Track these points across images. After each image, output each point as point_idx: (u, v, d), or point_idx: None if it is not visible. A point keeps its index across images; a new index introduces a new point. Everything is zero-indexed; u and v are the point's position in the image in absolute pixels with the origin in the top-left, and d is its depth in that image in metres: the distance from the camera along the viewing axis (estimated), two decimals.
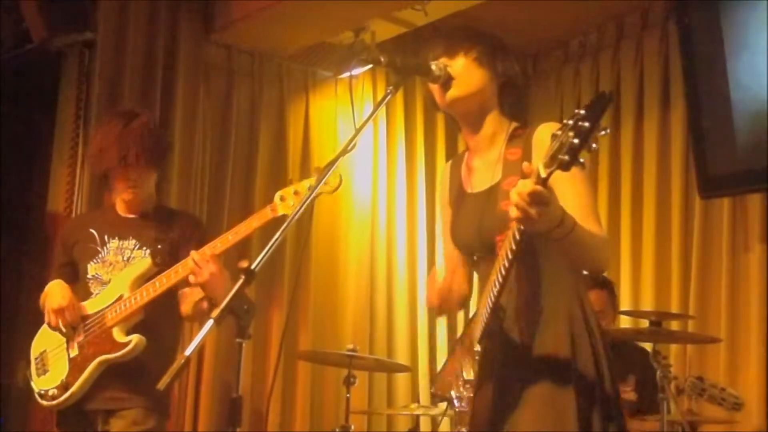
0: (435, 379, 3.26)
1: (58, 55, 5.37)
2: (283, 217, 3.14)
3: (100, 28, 5.33)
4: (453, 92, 2.73)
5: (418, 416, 5.37)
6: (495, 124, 2.76)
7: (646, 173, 5.91)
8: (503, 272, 2.44)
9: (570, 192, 2.51)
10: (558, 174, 2.22)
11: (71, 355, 3.57)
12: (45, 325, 3.72)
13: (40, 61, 5.24)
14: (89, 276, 3.66)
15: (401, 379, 6.11)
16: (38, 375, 3.66)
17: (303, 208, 2.49)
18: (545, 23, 6.31)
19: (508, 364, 2.63)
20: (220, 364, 5.49)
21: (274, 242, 2.41)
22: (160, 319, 3.58)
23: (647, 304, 5.59)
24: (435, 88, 2.77)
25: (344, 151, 2.60)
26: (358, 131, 2.62)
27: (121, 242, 3.66)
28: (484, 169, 2.75)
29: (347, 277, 6.18)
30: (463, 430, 2.74)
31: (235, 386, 2.34)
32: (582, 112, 2.11)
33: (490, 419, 2.64)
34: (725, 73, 5.14)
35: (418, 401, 5.75)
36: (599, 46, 6.38)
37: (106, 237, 3.69)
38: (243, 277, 2.34)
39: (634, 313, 5.07)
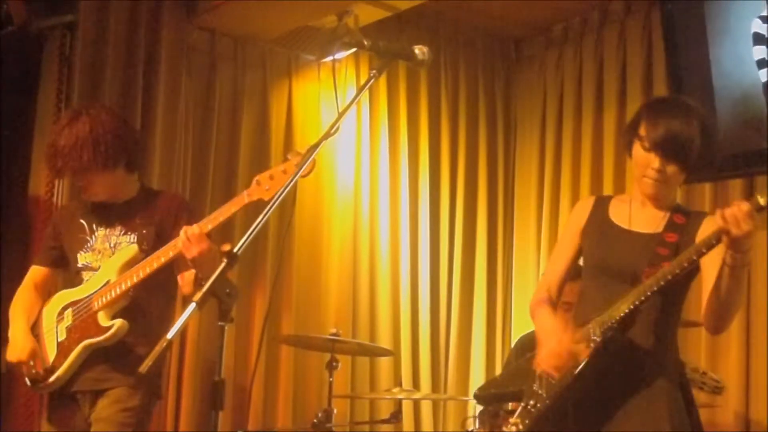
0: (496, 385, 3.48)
1: (39, 38, 5.33)
2: (259, 202, 3.17)
3: (82, 10, 5.29)
4: (658, 192, 3.05)
5: (400, 400, 5.38)
6: (670, 195, 3.11)
7: (628, 159, 5.91)
8: (661, 283, 2.76)
9: None
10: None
11: (59, 339, 3.59)
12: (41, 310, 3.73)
13: (20, 44, 5.21)
14: (80, 265, 3.68)
15: (384, 363, 6.12)
16: (37, 357, 3.65)
17: (282, 194, 2.50)
18: (528, 8, 6.31)
19: (620, 381, 2.91)
20: (203, 348, 5.49)
21: (257, 226, 2.42)
22: (147, 303, 3.60)
23: None
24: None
25: (327, 135, 2.61)
26: (341, 115, 2.64)
27: (107, 230, 3.68)
28: (645, 216, 3.08)
29: (330, 262, 6.18)
30: (539, 404, 2.96)
31: (217, 369, 2.35)
32: None
33: (583, 416, 2.92)
34: (708, 59, 5.17)
35: (401, 385, 5.77)
36: (582, 32, 6.38)
37: (94, 226, 3.71)
38: (225, 260, 2.34)
39: None
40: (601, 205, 3.19)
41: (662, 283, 2.75)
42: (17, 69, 5.24)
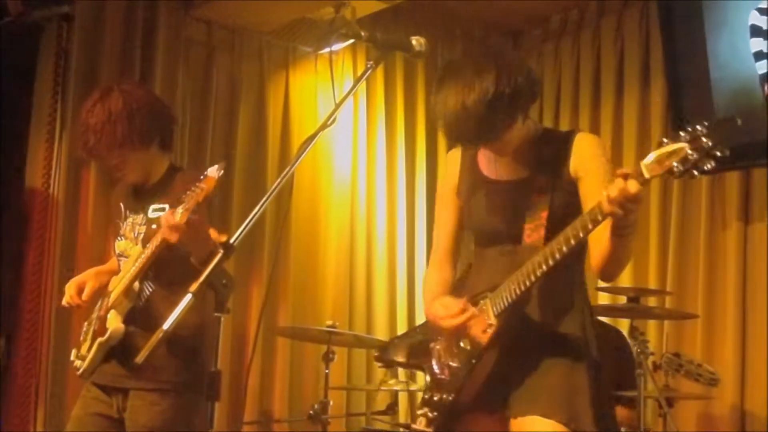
0: (394, 346, 3.27)
1: (36, 28, 5.32)
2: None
3: (78, 1, 5.28)
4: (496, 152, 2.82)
5: (396, 392, 5.39)
6: (520, 134, 2.78)
7: (625, 150, 5.92)
8: (557, 256, 2.52)
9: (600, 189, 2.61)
10: (592, 169, 2.59)
11: (93, 329, 3.52)
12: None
13: (17, 35, 5.19)
14: (117, 253, 3.58)
15: None
16: (83, 342, 3.58)
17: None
18: (526, 0, 6.30)
19: (525, 343, 2.72)
20: None
21: (253, 217, 2.42)
22: (164, 303, 3.39)
23: (625, 280, 5.61)
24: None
25: (324, 126, 2.60)
26: (338, 105, 2.63)
27: (134, 217, 3.55)
28: (512, 160, 2.81)
29: (327, 254, 6.18)
30: (444, 396, 2.79)
31: (213, 360, 2.35)
32: (703, 129, 2.17)
33: (495, 388, 2.73)
34: (705, 51, 5.16)
35: (397, 377, 5.77)
36: (580, 24, 6.37)
37: (127, 212, 3.59)
38: (222, 251, 2.34)
39: (612, 290, 5.09)
40: (470, 155, 2.95)
41: (551, 262, 2.52)
42: (13, 60, 5.23)
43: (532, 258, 2.58)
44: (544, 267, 2.54)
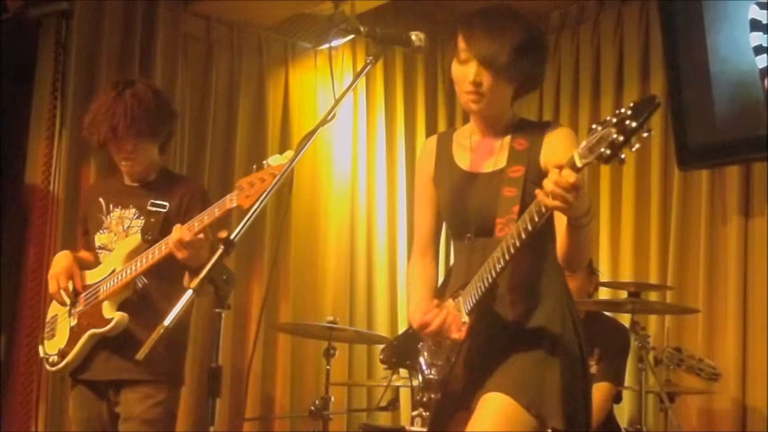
0: (393, 348, 3.29)
1: (35, 25, 5.31)
2: (239, 208, 3.13)
3: None
4: (482, 108, 2.77)
5: (398, 388, 5.39)
6: (503, 114, 2.82)
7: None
8: (512, 251, 2.51)
9: None
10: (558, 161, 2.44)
11: (71, 324, 3.58)
12: None
13: (16, 32, 5.19)
14: (98, 246, 3.65)
15: None
16: (47, 339, 3.67)
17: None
18: None
19: (496, 337, 2.72)
20: (200, 335, 5.48)
21: (253, 213, 2.42)
22: (157, 293, 3.53)
23: (626, 275, 5.61)
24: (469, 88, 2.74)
25: (323, 122, 2.61)
26: (337, 101, 2.63)
27: (122, 211, 3.63)
28: (485, 150, 2.81)
29: (327, 249, 6.18)
30: (432, 395, 2.81)
31: (214, 356, 2.35)
32: (628, 111, 2.17)
33: (470, 384, 2.73)
34: (705, 45, 5.15)
35: (398, 373, 5.77)
36: (580, 18, 6.36)
37: (111, 206, 3.67)
38: (222, 247, 2.34)
39: (613, 284, 5.09)
40: (445, 144, 2.92)
41: (507, 257, 2.52)
42: (13, 57, 5.22)
43: (492, 254, 2.59)
44: (502, 262, 2.55)
